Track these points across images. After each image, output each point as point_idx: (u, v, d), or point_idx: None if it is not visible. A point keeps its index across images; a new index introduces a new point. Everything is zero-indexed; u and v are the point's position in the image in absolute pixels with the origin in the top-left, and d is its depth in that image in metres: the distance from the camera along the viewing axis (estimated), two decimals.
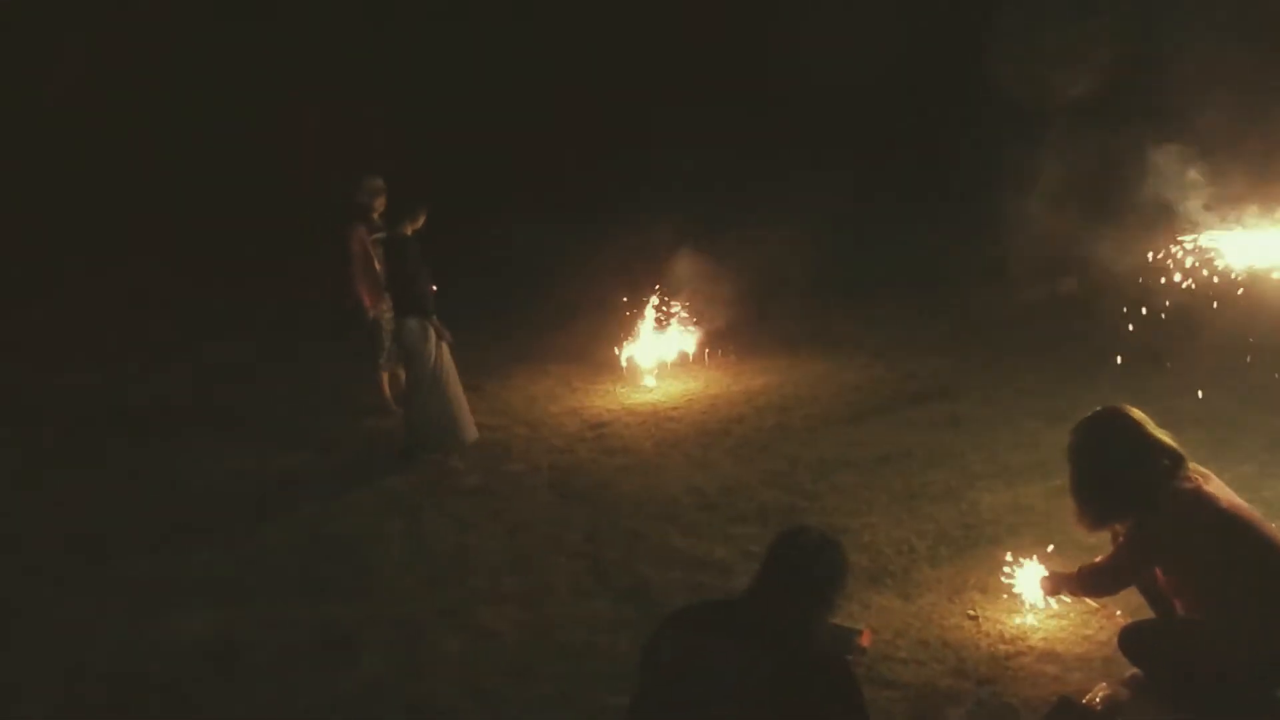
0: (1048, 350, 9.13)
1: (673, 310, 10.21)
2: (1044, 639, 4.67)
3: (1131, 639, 4.18)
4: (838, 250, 12.11)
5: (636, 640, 3.70)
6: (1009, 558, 5.13)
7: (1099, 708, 4.06)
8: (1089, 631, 4.69)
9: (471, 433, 7.95)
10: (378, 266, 8.14)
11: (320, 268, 8.68)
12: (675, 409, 8.66)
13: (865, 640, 4.65)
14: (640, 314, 10.04)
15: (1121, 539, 4.19)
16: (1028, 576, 4.93)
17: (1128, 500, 4.03)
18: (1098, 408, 4.24)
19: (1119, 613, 4.74)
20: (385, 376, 8.58)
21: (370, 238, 8.13)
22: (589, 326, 10.53)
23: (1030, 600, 4.90)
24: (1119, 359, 7.94)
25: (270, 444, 8.24)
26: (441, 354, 7.70)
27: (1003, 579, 5.08)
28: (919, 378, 8.86)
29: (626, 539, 6.14)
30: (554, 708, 4.47)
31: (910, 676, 4.46)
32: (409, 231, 7.58)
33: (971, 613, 4.95)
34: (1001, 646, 4.64)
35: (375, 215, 8.18)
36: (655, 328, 10.02)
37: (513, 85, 15.33)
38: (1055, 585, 4.60)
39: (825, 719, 3.00)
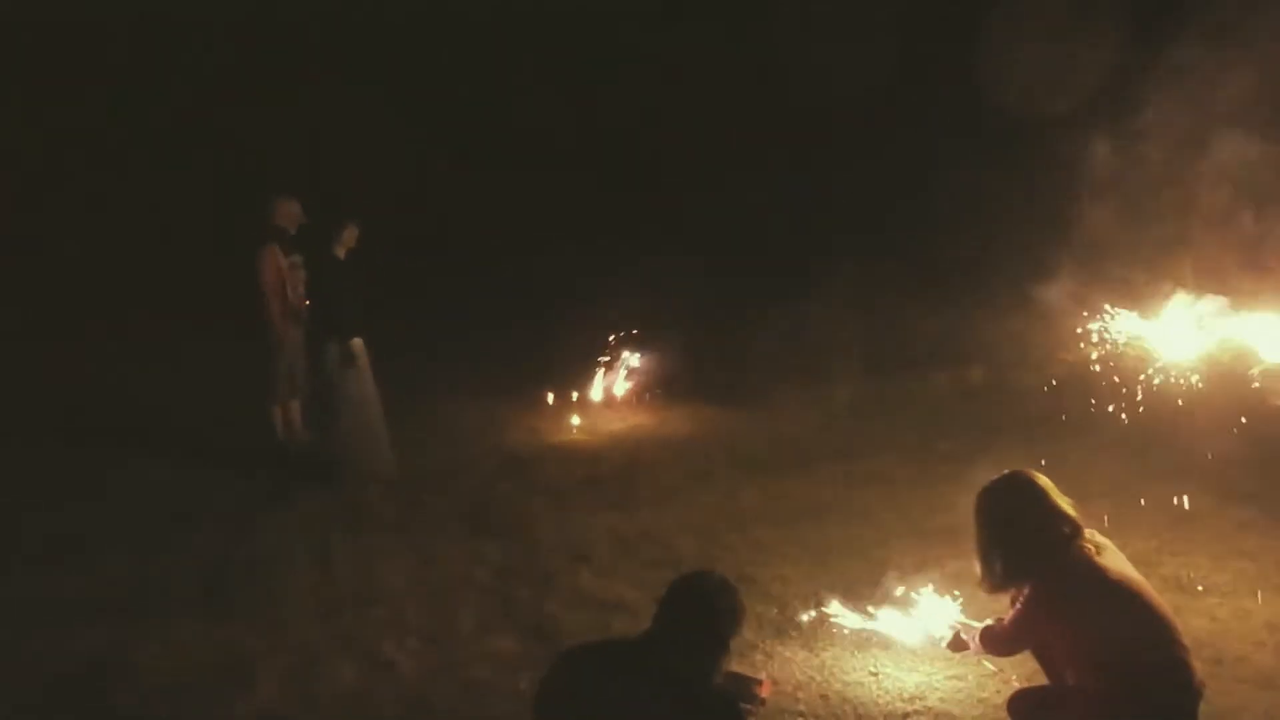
0: (963, 420, 9.28)
1: (611, 354, 10.26)
2: (941, 699, 4.72)
3: (1018, 705, 4.23)
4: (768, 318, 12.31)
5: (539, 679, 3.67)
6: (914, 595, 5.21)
7: None
8: (985, 694, 4.75)
9: (390, 467, 7.82)
10: (289, 293, 7.98)
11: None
12: (599, 450, 8.65)
13: (764, 690, 4.62)
14: (585, 356, 10.09)
15: (1020, 601, 4.25)
16: (935, 617, 5.00)
17: (1026, 564, 4.09)
18: (1005, 471, 4.31)
19: (1014, 677, 4.81)
20: (278, 411, 8.30)
21: (285, 260, 7.98)
22: (531, 363, 10.51)
23: (934, 634, 4.93)
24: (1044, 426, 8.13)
25: (188, 459, 8.06)
26: (365, 381, 7.61)
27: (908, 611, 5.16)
28: (844, 435, 8.95)
29: (538, 577, 6.10)
30: None
31: None
32: (340, 253, 7.51)
33: (873, 670, 4.99)
34: (899, 704, 4.68)
35: (290, 237, 8.02)
36: (596, 370, 10.06)
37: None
38: (958, 643, 4.66)
39: None
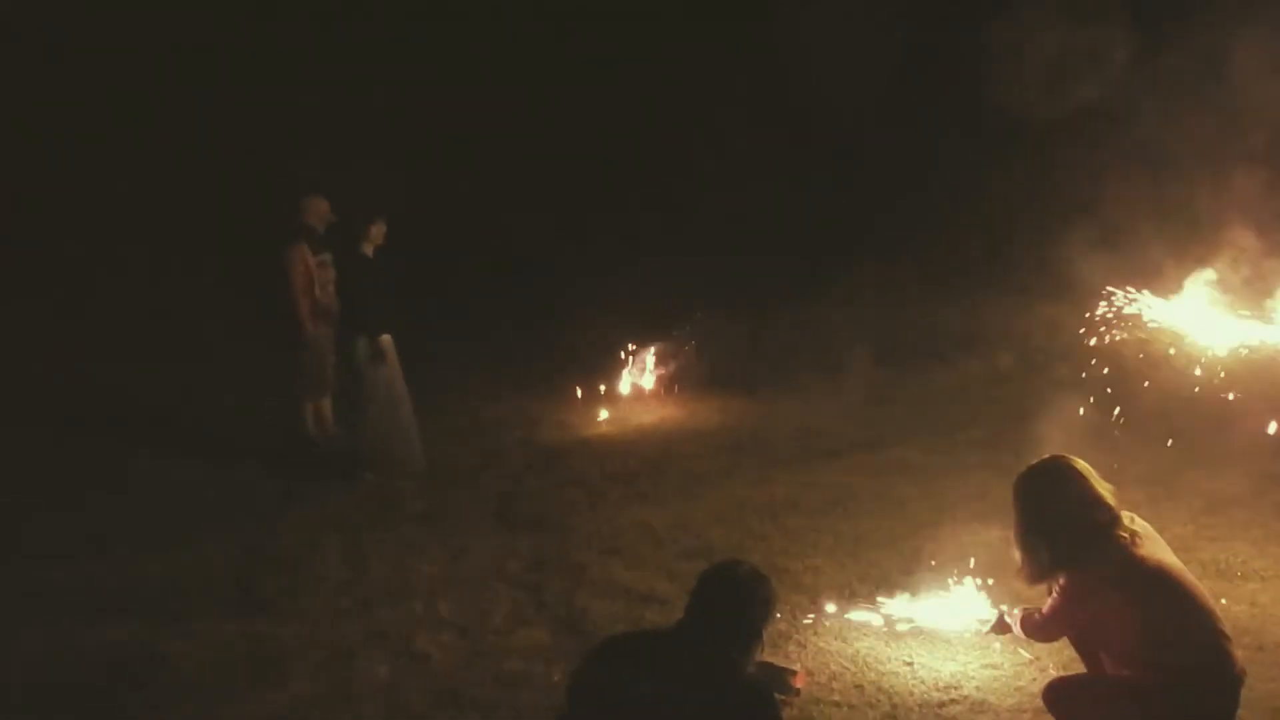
0: (991, 407, 9.17)
1: (638, 348, 10.26)
2: (978, 688, 4.67)
3: (1055, 694, 4.18)
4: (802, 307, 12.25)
5: (571, 672, 3.67)
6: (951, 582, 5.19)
7: None
8: (1021, 683, 4.69)
9: (419, 462, 7.86)
10: (317, 291, 7.99)
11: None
12: (628, 442, 8.63)
13: (799, 681, 4.62)
14: (612, 351, 10.08)
15: (1056, 590, 4.20)
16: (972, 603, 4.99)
17: (1065, 553, 4.04)
18: (1043, 456, 4.25)
19: (1051, 665, 4.76)
20: (310, 408, 8.29)
21: (315, 259, 8.00)
22: (558, 358, 10.53)
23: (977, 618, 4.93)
24: (1075, 412, 7.99)
25: (217, 457, 8.13)
26: (394, 377, 7.64)
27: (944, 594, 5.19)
28: (872, 424, 8.89)
29: (570, 570, 6.09)
30: None
31: None
32: (368, 249, 7.54)
33: (908, 660, 4.95)
34: (935, 694, 4.64)
35: (319, 235, 8.01)
36: (623, 364, 10.05)
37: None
38: (1001, 625, 4.63)
39: None
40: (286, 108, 13.85)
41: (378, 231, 7.57)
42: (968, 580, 5.37)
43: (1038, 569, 4.10)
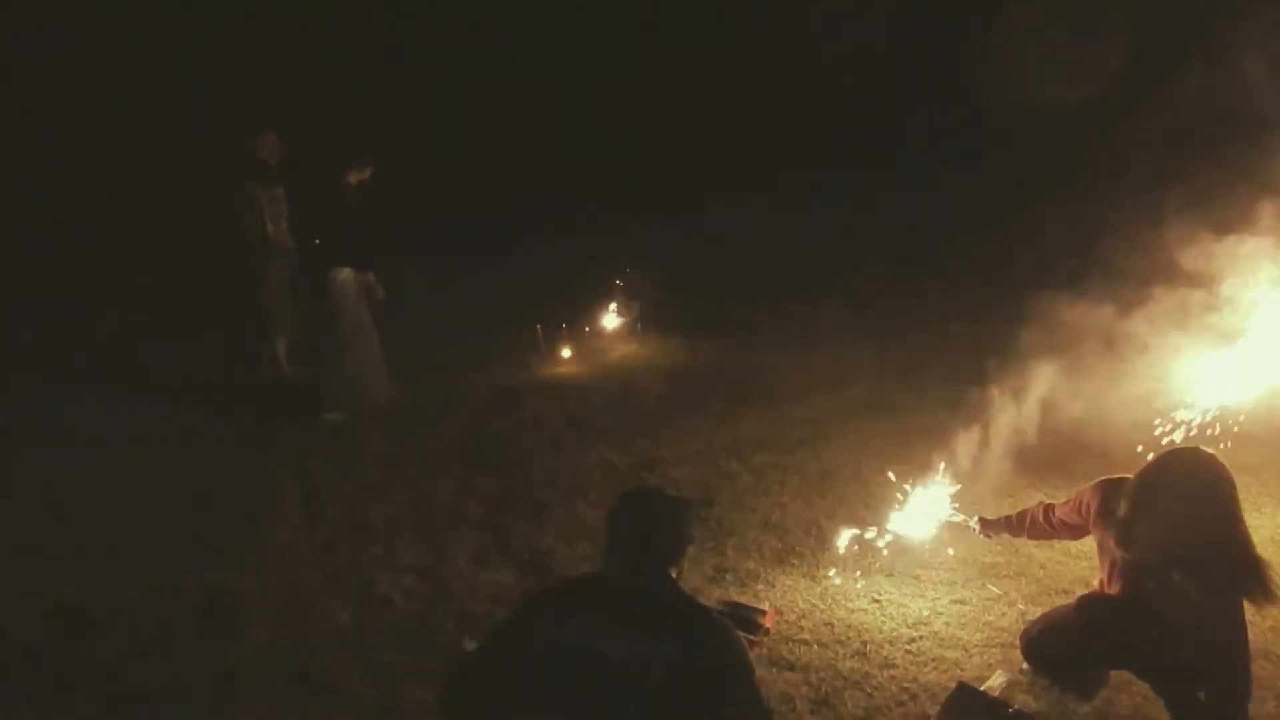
0: (962, 344, 9.09)
1: (611, 286, 10.10)
2: (946, 623, 4.66)
3: (1026, 637, 4.19)
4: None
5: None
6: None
7: (996, 694, 4.06)
8: (990, 618, 4.69)
9: (387, 391, 7.71)
10: (270, 228, 7.78)
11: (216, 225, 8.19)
12: (591, 382, 8.52)
13: (768, 620, 4.58)
14: (576, 290, 9.92)
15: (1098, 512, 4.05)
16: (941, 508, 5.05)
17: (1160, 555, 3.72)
18: (1203, 450, 3.78)
19: (1019, 599, 4.76)
20: (266, 347, 8.21)
21: (267, 194, 7.77)
22: (521, 298, 10.33)
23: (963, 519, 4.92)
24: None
25: (171, 399, 7.89)
26: (361, 312, 7.46)
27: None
28: (839, 364, 8.82)
29: (533, 511, 5.99)
30: None
31: (812, 658, 4.40)
32: (353, 180, 7.29)
33: (876, 596, 4.92)
34: (904, 630, 4.62)
35: (271, 169, 7.82)
36: (586, 303, 9.91)
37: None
38: (994, 526, 4.69)
39: (724, 706, 2.91)
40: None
41: (360, 168, 7.32)
42: (933, 486, 5.28)
43: (1126, 548, 3.81)
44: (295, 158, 7.88)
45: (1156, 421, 5.41)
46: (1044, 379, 5.80)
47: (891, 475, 5.60)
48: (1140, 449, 4.98)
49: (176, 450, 7.02)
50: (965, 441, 5.61)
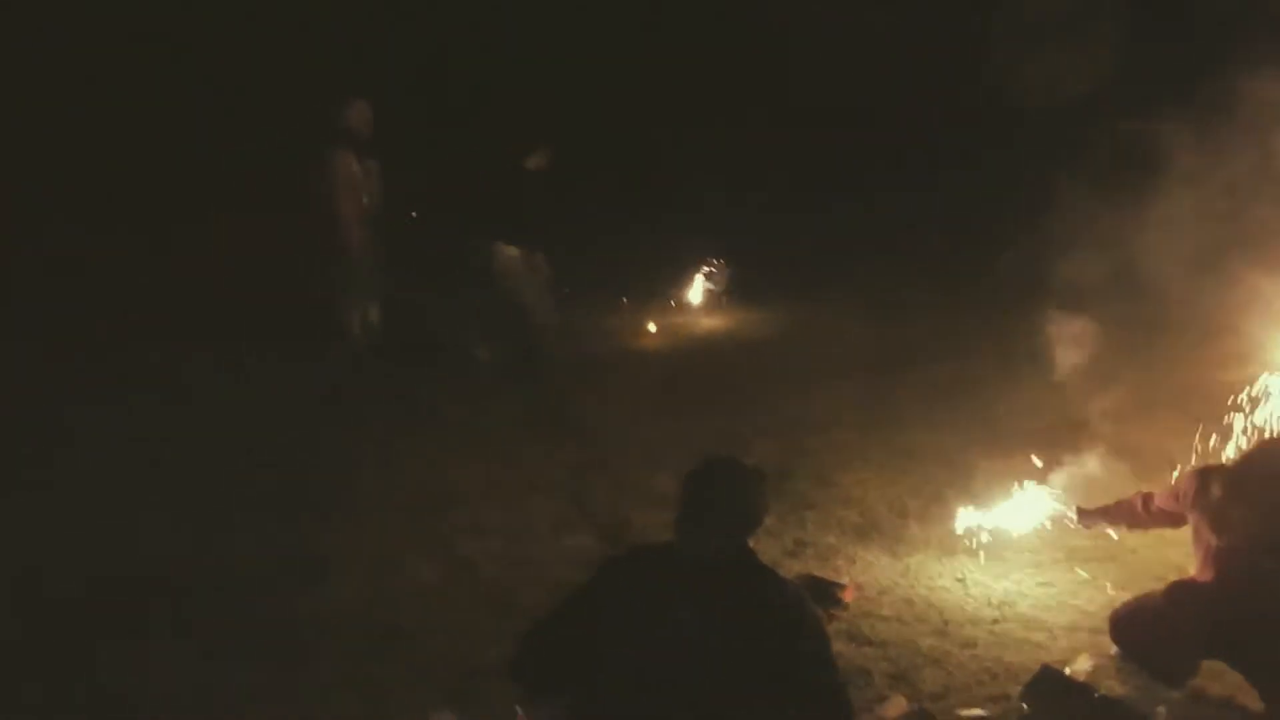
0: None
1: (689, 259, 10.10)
2: (1031, 605, 4.58)
3: (1116, 619, 4.09)
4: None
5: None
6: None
7: (1082, 678, 3.98)
8: (1077, 601, 4.59)
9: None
10: (364, 199, 7.91)
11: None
12: (675, 354, 8.53)
13: (848, 595, 4.56)
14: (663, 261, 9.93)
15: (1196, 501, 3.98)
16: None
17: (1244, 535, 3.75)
18: None
19: (1109, 585, 4.65)
20: (357, 315, 8.22)
21: (359, 165, 7.88)
22: (609, 268, 10.36)
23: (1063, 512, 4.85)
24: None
25: (259, 362, 8.10)
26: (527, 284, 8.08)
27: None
28: (922, 340, 8.67)
29: (613, 479, 6.05)
30: None
31: (891, 635, 4.36)
32: (532, 167, 7.79)
33: (959, 576, 4.85)
34: (987, 610, 4.55)
35: (362, 139, 7.88)
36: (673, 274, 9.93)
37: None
38: (1088, 516, 4.61)
39: (796, 676, 2.91)
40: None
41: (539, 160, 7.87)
42: (1028, 485, 5.21)
43: (1210, 515, 3.81)
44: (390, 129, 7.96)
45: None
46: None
47: (985, 463, 5.54)
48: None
49: (265, 410, 7.18)
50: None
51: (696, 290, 9.99)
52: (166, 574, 4.94)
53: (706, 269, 10.10)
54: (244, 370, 8.02)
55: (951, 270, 10.70)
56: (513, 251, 7.90)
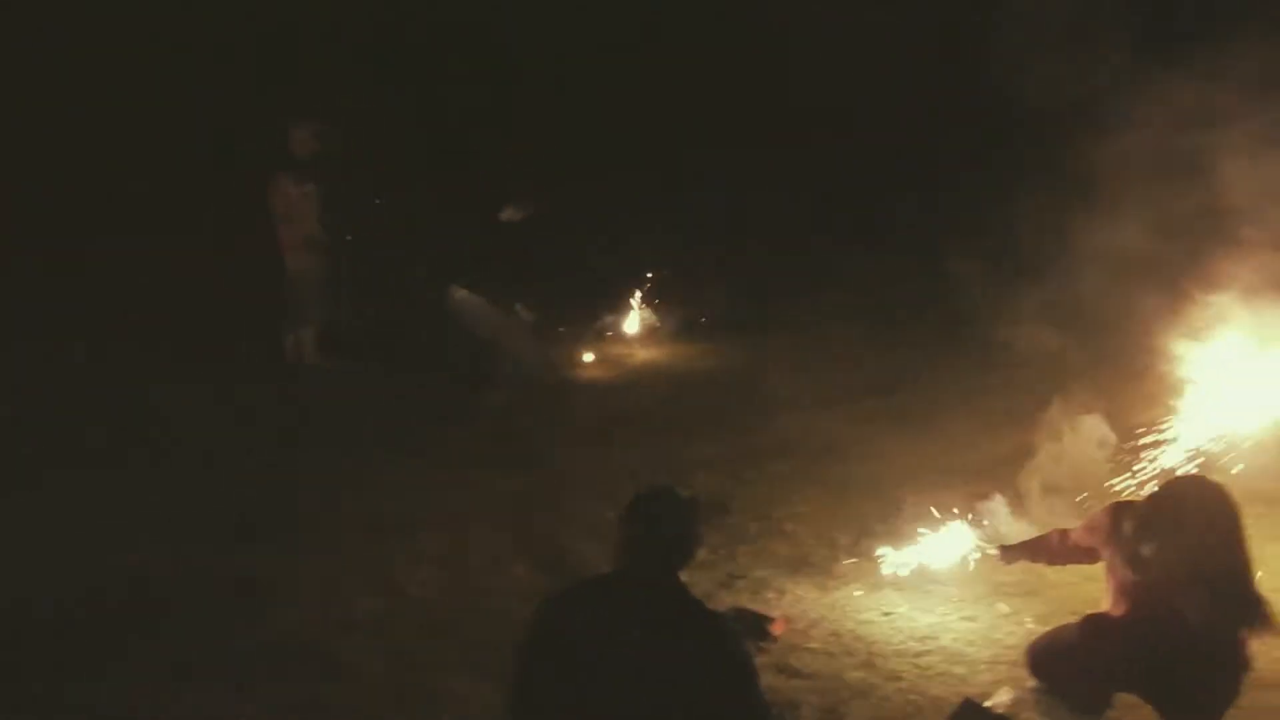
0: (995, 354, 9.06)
1: (629, 290, 10.18)
2: (954, 639, 4.72)
3: (1032, 652, 4.23)
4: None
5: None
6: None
7: (1001, 710, 4.11)
8: (998, 635, 4.74)
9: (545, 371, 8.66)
10: (301, 223, 7.95)
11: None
12: (616, 385, 8.63)
13: (778, 628, 4.67)
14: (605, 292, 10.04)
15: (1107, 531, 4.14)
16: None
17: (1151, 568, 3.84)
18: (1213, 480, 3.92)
19: (1029, 619, 4.81)
20: (291, 338, 8.35)
21: (298, 189, 7.92)
22: (551, 297, 10.43)
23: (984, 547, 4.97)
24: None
25: (206, 388, 8.03)
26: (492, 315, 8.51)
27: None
28: (861, 373, 8.84)
29: (554, 510, 6.12)
30: (467, 672, 4.40)
31: (820, 667, 4.48)
32: (506, 217, 8.20)
33: (886, 610, 4.99)
34: (912, 644, 4.69)
35: (303, 165, 7.96)
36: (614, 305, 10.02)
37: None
38: (1013, 552, 4.70)
39: (726, 709, 3.00)
40: None
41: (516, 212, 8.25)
42: (952, 522, 5.36)
43: (1123, 553, 3.91)
44: (333, 153, 8.00)
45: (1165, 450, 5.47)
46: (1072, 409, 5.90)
47: (913, 498, 5.70)
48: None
49: (232, 426, 7.20)
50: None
51: (634, 321, 10.09)
52: (103, 599, 4.93)
53: (644, 299, 10.19)
54: (182, 390, 7.95)
55: (890, 305, 10.93)
56: (465, 294, 8.12)
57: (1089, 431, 5.96)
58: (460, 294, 8.25)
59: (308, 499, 6.18)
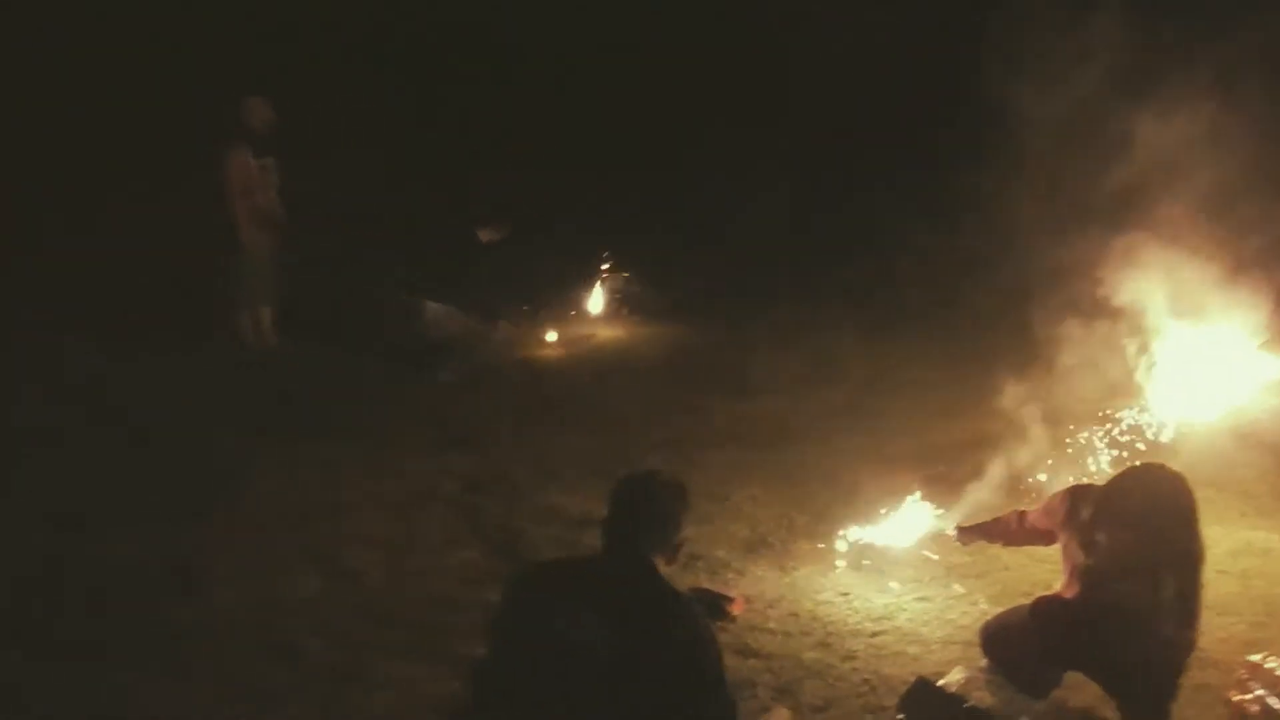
0: (946, 341, 9.14)
1: (590, 271, 10.09)
2: (909, 619, 4.70)
3: (986, 632, 4.23)
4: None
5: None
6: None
7: (954, 689, 4.10)
8: (952, 616, 4.73)
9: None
10: (259, 197, 7.78)
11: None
12: (573, 366, 8.54)
13: (736, 608, 4.63)
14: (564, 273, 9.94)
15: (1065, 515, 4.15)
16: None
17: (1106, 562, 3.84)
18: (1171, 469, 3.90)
19: (981, 600, 4.81)
20: (248, 315, 8.18)
21: (256, 163, 7.75)
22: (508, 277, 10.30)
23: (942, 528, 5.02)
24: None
25: (149, 367, 7.83)
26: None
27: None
28: (816, 361, 8.81)
29: (505, 492, 6.01)
30: (408, 655, 4.32)
31: (776, 647, 4.44)
32: (484, 238, 8.60)
33: (843, 590, 4.96)
34: (868, 624, 4.66)
35: (259, 138, 7.81)
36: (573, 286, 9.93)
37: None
38: (970, 533, 4.74)
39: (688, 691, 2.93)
40: None
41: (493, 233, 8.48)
42: (912, 501, 5.38)
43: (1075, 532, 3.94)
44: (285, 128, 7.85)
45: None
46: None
47: (870, 481, 5.69)
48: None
49: (152, 416, 6.97)
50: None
51: (598, 300, 10.01)
52: (40, 577, 4.78)
53: (610, 278, 10.11)
54: (130, 369, 7.74)
55: (855, 290, 10.92)
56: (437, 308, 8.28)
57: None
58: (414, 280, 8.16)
59: (250, 480, 6.02)
